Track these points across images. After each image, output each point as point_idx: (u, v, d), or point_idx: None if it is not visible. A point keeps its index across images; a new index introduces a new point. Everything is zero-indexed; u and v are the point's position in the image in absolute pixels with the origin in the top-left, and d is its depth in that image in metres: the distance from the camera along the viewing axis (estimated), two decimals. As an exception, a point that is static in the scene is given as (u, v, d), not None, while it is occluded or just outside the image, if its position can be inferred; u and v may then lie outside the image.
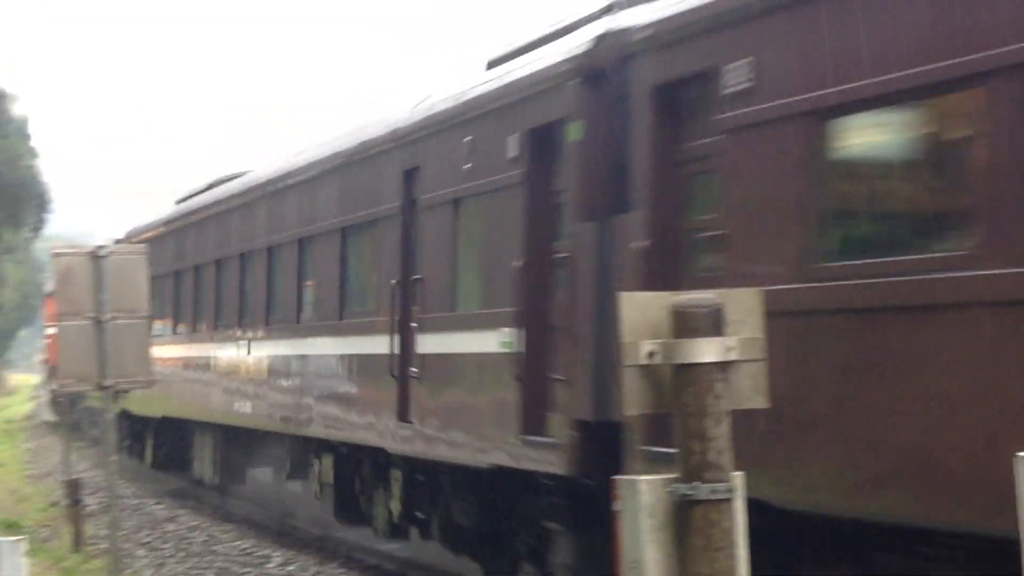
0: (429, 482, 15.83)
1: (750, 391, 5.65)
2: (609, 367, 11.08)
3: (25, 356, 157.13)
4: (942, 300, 7.94)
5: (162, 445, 30.08)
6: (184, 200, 29.23)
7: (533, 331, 12.72)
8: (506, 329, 13.07)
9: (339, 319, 18.28)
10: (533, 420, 12.61)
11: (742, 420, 6.04)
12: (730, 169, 9.81)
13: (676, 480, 5.50)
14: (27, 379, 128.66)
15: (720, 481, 5.44)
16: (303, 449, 20.86)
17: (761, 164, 9.50)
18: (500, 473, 13.53)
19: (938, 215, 8.42)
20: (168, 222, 28.94)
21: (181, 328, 27.61)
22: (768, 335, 5.98)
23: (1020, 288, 7.41)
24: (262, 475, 25.86)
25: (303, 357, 19.56)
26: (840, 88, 8.78)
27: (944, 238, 8.22)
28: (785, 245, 9.22)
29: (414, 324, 15.61)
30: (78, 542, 20.51)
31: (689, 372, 5.43)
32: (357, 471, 18.43)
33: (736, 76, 9.72)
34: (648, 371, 5.51)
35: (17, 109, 65.50)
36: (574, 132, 12.05)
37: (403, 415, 15.68)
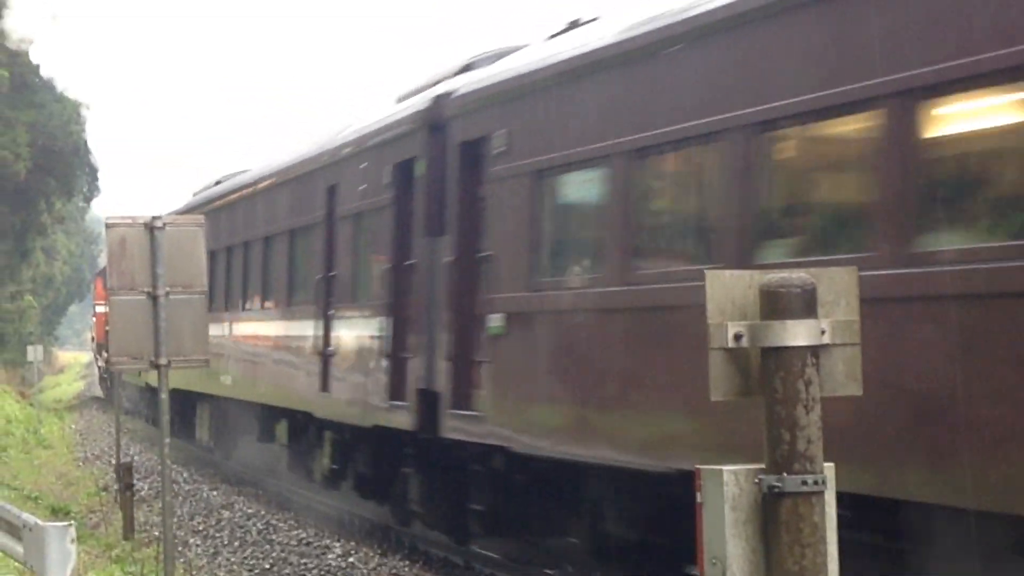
0: (342, 441, 19.63)
1: (844, 377, 5.26)
2: (434, 349, 14.84)
3: (76, 333, 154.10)
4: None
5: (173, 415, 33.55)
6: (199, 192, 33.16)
7: (396, 321, 16.46)
8: (380, 318, 16.81)
9: (288, 306, 22.08)
10: (396, 389, 16.34)
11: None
12: (495, 208, 13.53)
13: (763, 471, 5.11)
14: (77, 357, 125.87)
15: (810, 472, 5.04)
16: (270, 416, 24.73)
17: (509, 206, 13.22)
18: (381, 430, 17.27)
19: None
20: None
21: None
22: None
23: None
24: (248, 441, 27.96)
25: (266, 337, 23.39)
26: (549, 155, 12.49)
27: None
28: (520, 267, 12.93)
29: (331, 312, 19.38)
30: (129, 529, 19.67)
31: (778, 356, 5.06)
32: (304, 433, 22.26)
33: (499, 141, 13.43)
34: (734, 354, 5.18)
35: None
36: (420, 168, 15.76)
37: (324, 386, 19.45)
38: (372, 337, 17.19)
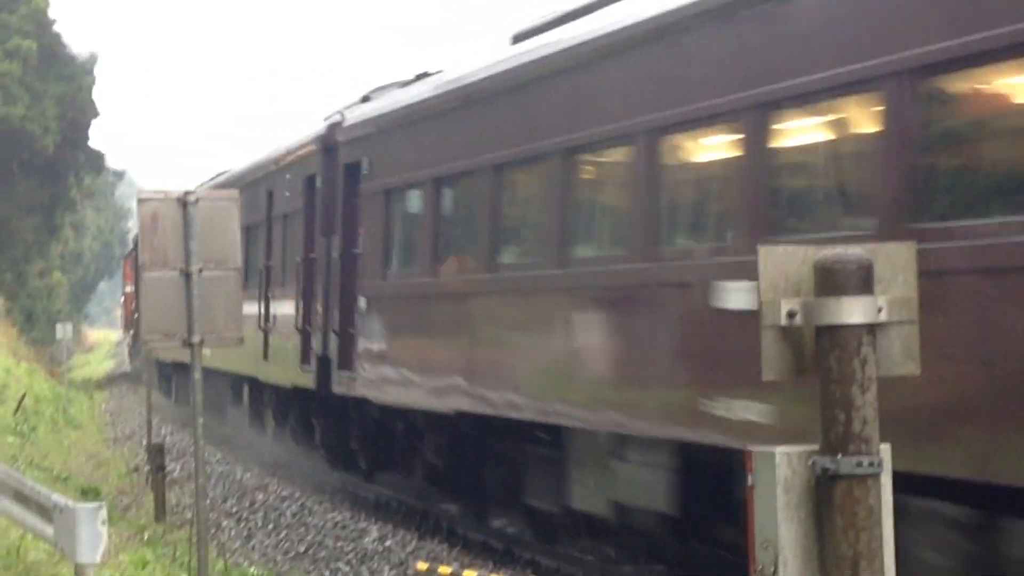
0: (281, 399, 23.92)
1: (901, 356, 5.10)
2: (328, 323, 19.13)
3: (106, 311, 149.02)
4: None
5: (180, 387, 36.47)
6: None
7: (305, 302, 20.71)
8: (294, 300, 21.07)
9: (244, 289, 26.31)
10: (305, 356, 20.59)
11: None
12: (363, 216, 17.76)
13: (817, 452, 4.97)
14: (107, 335, 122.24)
15: (865, 454, 4.89)
16: (237, 383, 28.99)
17: (371, 215, 17.43)
18: (299, 389, 21.50)
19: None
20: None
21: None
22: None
23: None
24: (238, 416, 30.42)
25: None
26: (393, 178, 16.70)
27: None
28: (376, 261, 17.15)
29: (269, 295, 23.66)
30: (161, 511, 19.40)
31: (833, 334, 4.91)
32: (260, 397, 26.57)
33: (365, 165, 17.63)
34: (788, 332, 5.04)
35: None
36: (319, 182, 19.98)
37: (265, 355, 23.72)
38: (291, 315, 21.44)
